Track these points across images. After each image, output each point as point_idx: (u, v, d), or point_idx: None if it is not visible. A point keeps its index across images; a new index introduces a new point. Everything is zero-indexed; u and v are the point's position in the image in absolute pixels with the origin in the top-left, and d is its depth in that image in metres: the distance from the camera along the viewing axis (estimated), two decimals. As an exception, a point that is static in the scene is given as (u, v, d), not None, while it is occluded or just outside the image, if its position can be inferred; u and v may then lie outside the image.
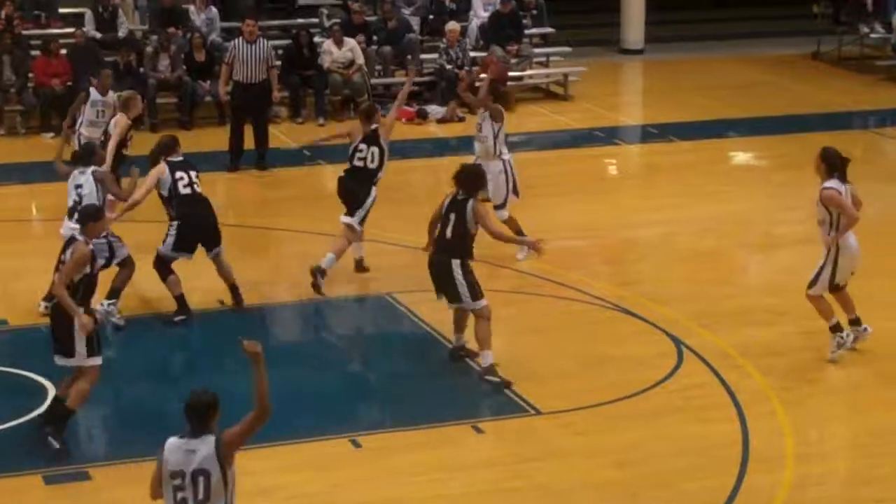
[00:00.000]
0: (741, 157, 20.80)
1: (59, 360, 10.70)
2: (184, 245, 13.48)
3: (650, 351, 12.77)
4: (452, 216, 12.16)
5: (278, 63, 20.88)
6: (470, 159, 20.74)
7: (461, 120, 22.56)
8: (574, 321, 13.69)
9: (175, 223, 13.47)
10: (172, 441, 7.73)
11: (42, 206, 18.00)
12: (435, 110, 22.73)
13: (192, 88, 21.86)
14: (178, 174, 13.48)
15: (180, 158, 13.71)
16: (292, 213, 17.10)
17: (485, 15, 24.55)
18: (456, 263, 12.07)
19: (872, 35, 26.61)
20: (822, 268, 12.30)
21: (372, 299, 14.31)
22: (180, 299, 13.51)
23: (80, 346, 10.52)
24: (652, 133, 22.03)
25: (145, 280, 13.79)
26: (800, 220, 13.69)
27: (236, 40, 19.79)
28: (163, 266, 13.52)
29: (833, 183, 12.18)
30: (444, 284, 12.19)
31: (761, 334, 13.17)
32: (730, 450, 10.75)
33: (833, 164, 12.22)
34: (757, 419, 11.10)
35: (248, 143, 19.14)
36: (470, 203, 12.12)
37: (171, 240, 13.44)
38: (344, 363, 13.01)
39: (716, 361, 12.43)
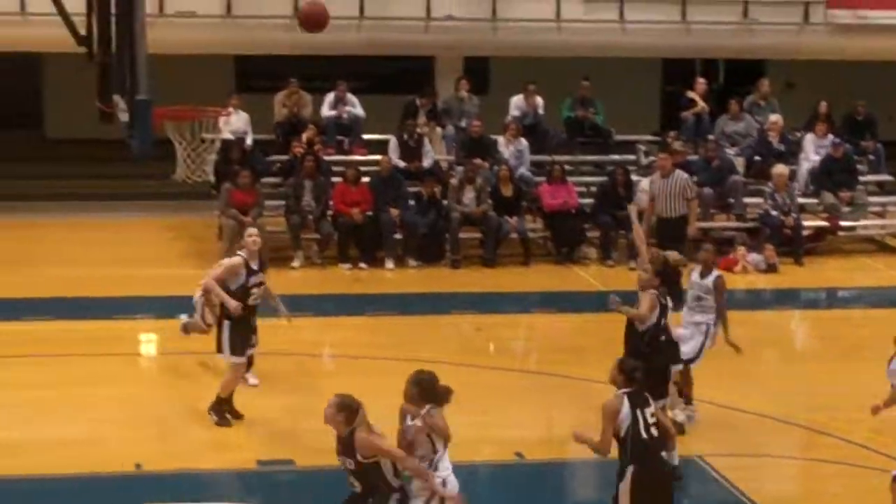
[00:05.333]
0: None
1: None
2: None
3: None
4: None
5: (696, 195, 21.50)
6: (789, 313, 20.97)
7: (774, 270, 22.61)
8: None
9: None
10: None
11: (335, 340, 18.71)
12: (755, 259, 22.91)
13: (497, 224, 22.51)
14: None
15: None
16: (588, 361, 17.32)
17: (816, 158, 24.63)
18: None
19: None
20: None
21: (681, 461, 14.32)
22: None
23: None
24: None
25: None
26: None
27: (653, 175, 20.73)
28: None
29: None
30: None
31: None
32: None
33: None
34: None
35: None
36: None
37: None
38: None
39: None
